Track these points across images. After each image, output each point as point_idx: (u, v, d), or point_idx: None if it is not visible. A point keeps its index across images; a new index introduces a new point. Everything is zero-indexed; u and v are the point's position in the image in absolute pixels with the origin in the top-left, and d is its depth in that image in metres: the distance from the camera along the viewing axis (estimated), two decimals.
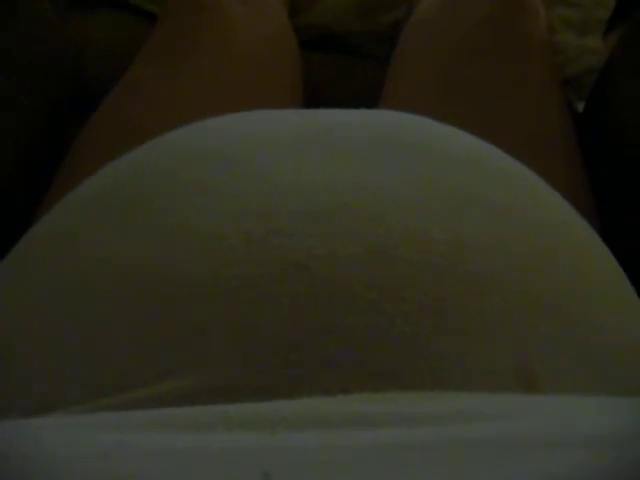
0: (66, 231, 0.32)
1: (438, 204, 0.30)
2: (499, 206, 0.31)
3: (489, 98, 0.51)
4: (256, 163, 0.31)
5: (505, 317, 0.27)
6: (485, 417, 0.22)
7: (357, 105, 0.39)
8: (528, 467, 0.19)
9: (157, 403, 0.24)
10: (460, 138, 0.36)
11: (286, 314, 0.26)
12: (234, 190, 0.30)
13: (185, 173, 0.31)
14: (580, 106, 0.65)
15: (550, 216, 0.33)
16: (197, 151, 0.33)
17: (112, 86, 0.55)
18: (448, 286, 0.27)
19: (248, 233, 0.28)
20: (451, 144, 0.35)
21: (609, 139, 0.54)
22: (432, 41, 0.56)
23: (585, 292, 0.30)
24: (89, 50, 0.66)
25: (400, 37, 0.60)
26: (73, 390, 0.26)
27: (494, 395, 0.25)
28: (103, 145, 0.49)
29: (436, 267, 0.27)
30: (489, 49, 0.53)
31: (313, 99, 0.61)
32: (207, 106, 0.49)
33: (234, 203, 0.29)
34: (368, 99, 0.53)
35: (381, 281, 0.27)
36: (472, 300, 0.27)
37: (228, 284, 0.27)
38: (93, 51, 0.66)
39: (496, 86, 0.52)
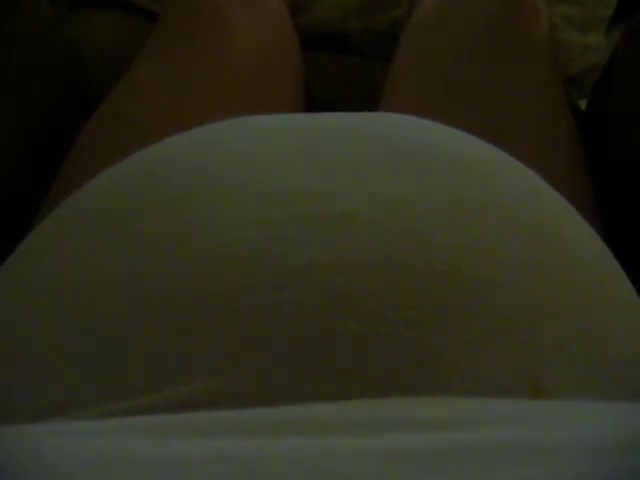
0: (68, 238, 0.32)
1: (440, 209, 0.30)
2: (502, 210, 0.31)
3: (491, 98, 0.51)
4: (256, 168, 0.31)
5: (509, 323, 0.27)
6: (489, 423, 0.22)
7: (358, 105, 0.39)
8: (532, 474, 0.19)
9: (158, 410, 0.24)
10: (462, 141, 0.36)
11: (287, 321, 0.26)
12: (234, 196, 0.30)
13: (184, 180, 0.31)
14: (582, 104, 0.65)
15: (553, 220, 0.33)
16: (194, 158, 0.33)
17: (112, 86, 0.55)
18: (451, 292, 0.27)
19: (249, 240, 0.28)
20: (452, 147, 0.35)
21: (611, 137, 0.54)
22: (433, 41, 0.56)
23: (589, 297, 0.30)
24: (89, 50, 0.66)
25: (401, 36, 0.60)
26: (73, 397, 0.26)
27: (499, 401, 0.25)
28: (103, 146, 0.49)
29: (439, 273, 0.27)
30: (491, 48, 0.53)
31: (313, 99, 0.61)
32: (207, 107, 0.49)
33: (234, 209, 0.29)
34: (368, 99, 0.52)
35: (383, 288, 0.26)
36: (476, 306, 0.27)
37: (229, 292, 0.27)
38: (93, 51, 0.66)
39: (498, 85, 0.52)
